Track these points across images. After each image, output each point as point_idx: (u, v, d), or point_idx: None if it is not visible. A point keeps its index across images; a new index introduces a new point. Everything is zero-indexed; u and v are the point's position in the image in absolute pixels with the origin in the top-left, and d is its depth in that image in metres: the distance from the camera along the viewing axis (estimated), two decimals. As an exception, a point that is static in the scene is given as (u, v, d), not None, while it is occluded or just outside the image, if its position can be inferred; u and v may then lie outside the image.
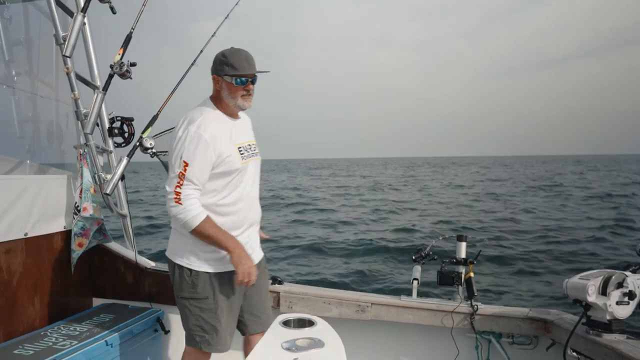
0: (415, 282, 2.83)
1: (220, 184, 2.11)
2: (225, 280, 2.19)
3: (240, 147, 2.17)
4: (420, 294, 2.82)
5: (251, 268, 2.08)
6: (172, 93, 3.16)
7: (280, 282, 2.98)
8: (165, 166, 3.83)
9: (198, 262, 2.16)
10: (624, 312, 2.18)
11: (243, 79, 2.13)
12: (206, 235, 2.06)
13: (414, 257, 2.97)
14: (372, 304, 2.70)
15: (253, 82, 2.18)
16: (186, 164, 2.02)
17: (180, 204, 2.01)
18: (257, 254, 2.32)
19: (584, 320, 2.27)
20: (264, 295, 2.43)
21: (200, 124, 2.06)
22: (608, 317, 2.18)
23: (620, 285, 2.19)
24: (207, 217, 2.06)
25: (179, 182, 2.02)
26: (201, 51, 3.37)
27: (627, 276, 2.21)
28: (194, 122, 2.06)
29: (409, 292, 2.83)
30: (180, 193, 2.02)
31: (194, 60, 3.28)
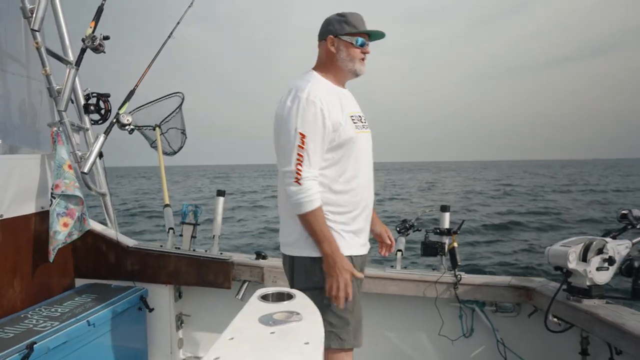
0: (399, 254, 2.84)
1: (334, 157, 1.91)
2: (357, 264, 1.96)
3: (352, 116, 1.98)
4: (405, 265, 2.84)
5: (348, 283, 1.84)
6: (148, 67, 3.08)
7: (264, 257, 2.97)
8: (147, 138, 3.77)
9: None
10: (603, 277, 2.21)
11: (363, 40, 1.97)
12: (312, 224, 1.85)
13: (397, 229, 2.98)
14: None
15: (369, 46, 2.02)
16: (303, 136, 1.82)
17: (300, 184, 1.82)
18: (367, 244, 2.09)
19: (564, 286, 2.31)
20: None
21: (311, 91, 1.86)
22: (588, 283, 2.21)
23: (600, 251, 2.22)
24: (320, 207, 1.85)
25: (299, 159, 1.83)
26: (178, 23, 3.28)
27: (607, 242, 2.24)
28: (303, 89, 1.87)
29: (393, 264, 2.84)
30: (301, 171, 1.82)
31: (171, 33, 3.20)
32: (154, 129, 3.62)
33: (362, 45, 1.97)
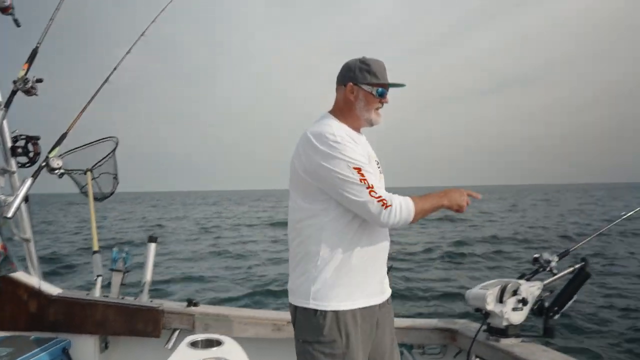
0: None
1: None
2: (357, 319, 1.86)
3: (376, 160, 1.98)
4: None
5: (466, 197, 1.89)
6: (82, 111, 3.05)
7: (195, 304, 2.93)
8: (77, 183, 3.66)
9: (341, 298, 1.83)
10: (518, 317, 2.37)
11: (383, 90, 1.94)
12: (427, 210, 1.84)
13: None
14: (288, 322, 2.73)
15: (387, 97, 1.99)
16: (359, 169, 1.75)
17: (390, 205, 1.75)
18: (387, 291, 2.02)
19: (484, 327, 2.45)
20: (388, 339, 2.03)
21: (336, 132, 1.82)
22: (505, 323, 2.36)
23: (515, 293, 2.39)
24: (411, 199, 1.81)
25: (369, 188, 1.74)
26: (115, 68, 3.29)
27: (521, 284, 2.41)
28: (332, 133, 1.81)
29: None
30: (381, 196, 1.74)
31: (107, 77, 3.20)
32: (85, 173, 3.54)
33: (382, 95, 1.95)
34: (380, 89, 1.93)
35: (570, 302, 2.37)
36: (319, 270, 1.82)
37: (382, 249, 1.95)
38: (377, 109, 1.96)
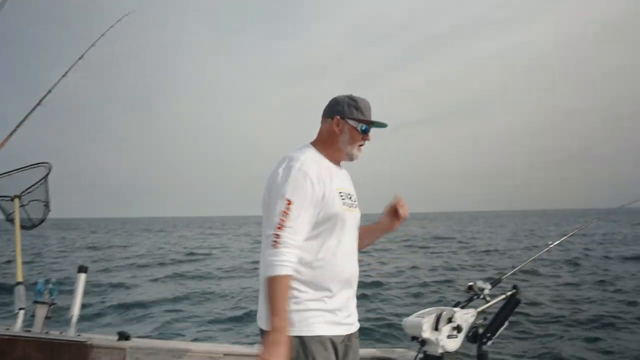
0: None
1: (316, 231, 1.89)
2: (325, 346, 1.85)
3: (341, 192, 1.98)
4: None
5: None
6: (10, 135, 2.92)
7: (127, 338, 2.79)
8: (4, 210, 3.45)
9: (311, 325, 1.84)
10: (453, 344, 2.40)
11: (367, 127, 2.03)
12: (274, 291, 1.75)
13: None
14: (224, 354, 2.65)
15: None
16: (289, 202, 1.81)
17: (276, 247, 1.75)
18: (355, 323, 2.04)
19: (421, 355, 2.46)
20: None
21: (304, 162, 1.89)
22: (440, 351, 2.38)
23: (450, 320, 2.43)
24: (288, 277, 1.76)
25: (280, 224, 1.79)
26: (49, 91, 3.19)
27: (455, 312, 2.46)
28: (297, 160, 1.89)
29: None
30: (280, 236, 1.77)
31: (40, 100, 3.09)
32: (12, 200, 3.36)
33: (365, 132, 2.04)
34: (364, 126, 2.02)
35: (502, 328, 2.43)
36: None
37: (349, 278, 1.97)
38: (360, 145, 2.05)
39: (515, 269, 2.75)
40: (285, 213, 1.79)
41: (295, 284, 1.84)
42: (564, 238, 2.89)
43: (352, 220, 2.01)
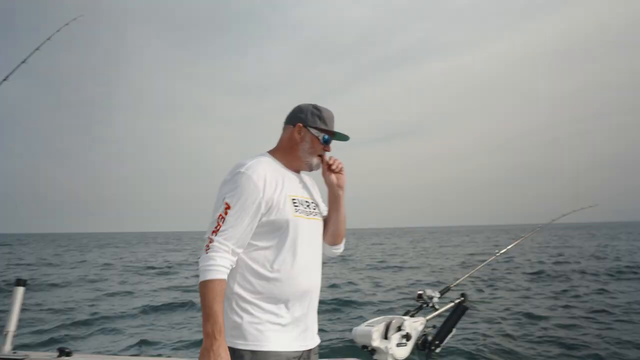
0: None
1: (267, 241, 1.82)
2: None
3: (294, 199, 1.89)
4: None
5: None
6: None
7: (68, 354, 2.67)
8: None
9: (264, 340, 1.77)
10: (402, 352, 2.42)
11: (329, 138, 1.98)
12: (205, 296, 1.68)
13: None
14: None
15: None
16: (228, 207, 1.75)
17: (207, 252, 1.72)
18: (313, 338, 1.95)
19: (371, 364, 2.46)
20: None
21: (250, 167, 1.83)
22: (390, 359, 2.39)
23: (399, 328, 2.44)
24: (219, 282, 1.69)
25: (216, 227, 1.74)
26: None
27: (405, 320, 2.48)
28: (244, 165, 1.83)
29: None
30: (212, 240, 1.72)
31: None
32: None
33: (327, 142, 1.98)
34: (326, 136, 1.97)
35: (450, 335, 2.47)
36: (236, 309, 1.79)
37: (306, 291, 1.89)
38: (320, 155, 1.99)
39: (463, 278, 2.81)
40: (222, 217, 1.75)
41: (250, 297, 1.80)
42: (505, 249, 2.98)
43: (308, 228, 1.92)
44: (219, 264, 1.71)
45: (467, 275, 2.82)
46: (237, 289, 1.81)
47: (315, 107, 2.00)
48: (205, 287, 1.68)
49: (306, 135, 1.97)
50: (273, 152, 2.02)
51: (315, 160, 1.99)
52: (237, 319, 1.78)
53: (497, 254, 2.94)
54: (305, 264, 1.87)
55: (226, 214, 1.75)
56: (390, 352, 2.39)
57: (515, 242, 3.09)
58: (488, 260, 2.98)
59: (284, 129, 2.03)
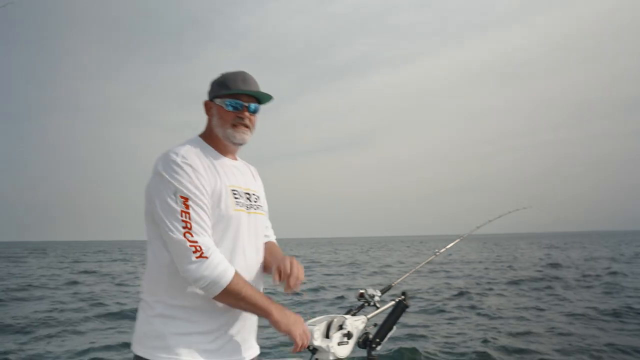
0: None
1: None
2: None
3: (234, 191, 1.68)
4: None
5: (306, 328, 1.73)
6: None
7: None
8: None
9: (190, 353, 1.56)
10: (344, 351, 2.41)
11: (236, 101, 1.69)
12: (241, 297, 1.53)
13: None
14: None
15: (250, 110, 1.72)
16: (186, 199, 1.52)
17: (206, 257, 1.49)
18: (252, 348, 1.82)
19: (312, 364, 2.44)
20: None
21: (184, 154, 1.59)
22: (331, 358, 2.38)
23: (341, 327, 2.44)
24: (237, 274, 1.55)
25: (186, 227, 1.50)
26: None
27: (346, 319, 2.47)
28: (176, 152, 1.60)
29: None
30: (197, 242, 1.49)
31: None
32: None
33: (235, 108, 1.71)
34: (230, 100, 1.71)
35: (390, 333, 2.49)
36: (161, 316, 1.59)
37: None
38: (235, 124, 1.73)
39: (404, 277, 2.85)
40: (186, 213, 1.52)
41: (178, 303, 1.60)
42: (444, 249, 3.06)
43: (248, 224, 1.73)
44: (224, 259, 1.56)
45: (407, 275, 2.87)
46: (162, 294, 1.60)
47: (220, 74, 1.78)
48: (235, 288, 1.55)
49: (213, 108, 1.76)
50: (202, 136, 1.81)
51: (230, 131, 1.74)
52: (161, 328, 1.58)
53: (437, 253, 3.01)
54: (245, 265, 1.71)
55: (188, 209, 1.53)
56: (332, 350, 2.37)
57: (453, 243, 3.17)
58: (428, 260, 3.04)
59: None
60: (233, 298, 1.55)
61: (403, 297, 2.65)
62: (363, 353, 2.51)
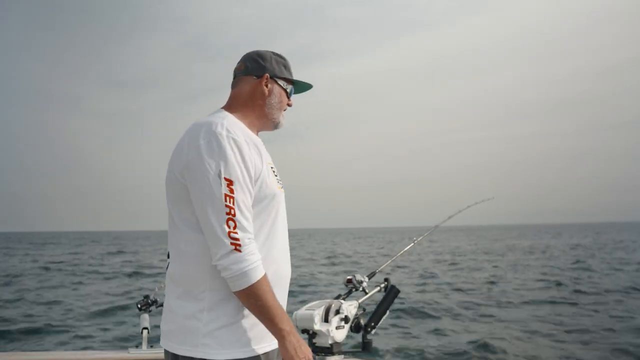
0: (145, 332, 2.59)
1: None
2: None
3: (272, 168, 1.58)
4: (153, 343, 2.61)
5: (305, 350, 1.52)
6: None
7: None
8: None
9: (258, 341, 1.51)
10: (341, 335, 2.49)
11: (292, 89, 1.70)
12: (260, 301, 1.40)
13: (139, 306, 2.74)
14: None
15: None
16: (230, 183, 1.38)
17: (240, 251, 1.37)
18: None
19: (311, 348, 2.49)
20: None
21: (230, 128, 1.45)
22: (330, 342, 2.44)
23: (338, 312, 2.51)
24: (266, 276, 1.42)
25: (230, 215, 1.37)
26: None
27: (342, 303, 2.55)
28: (221, 125, 1.44)
29: (139, 343, 2.57)
30: (236, 231, 1.37)
31: None
32: None
33: (290, 95, 1.71)
34: (291, 87, 1.71)
35: (384, 317, 2.60)
36: (208, 309, 1.46)
37: (288, 276, 1.69)
38: (285, 110, 1.71)
39: (388, 262, 2.97)
40: (231, 198, 1.39)
41: (227, 292, 1.48)
42: (422, 237, 3.21)
43: (284, 203, 1.65)
44: (259, 256, 1.45)
45: (390, 261, 2.98)
46: (210, 283, 1.47)
47: (278, 54, 1.70)
48: (259, 289, 1.42)
49: (274, 87, 1.66)
50: (232, 110, 1.62)
51: (282, 118, 1.70)
52: (216, 320, 1.47)
53: (415, 241, 3.15)
54: (284, 245, 1.65)
55: (232, 192, 1.39)
56: (331, 334, 2.44)
57: (428, 232, 3.33)
58: (407, 247, 3.18)
59: (243, 81, 1.66)
60: (253, 300, 1.43)
61: (386, 283, 2.76)
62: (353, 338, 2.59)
